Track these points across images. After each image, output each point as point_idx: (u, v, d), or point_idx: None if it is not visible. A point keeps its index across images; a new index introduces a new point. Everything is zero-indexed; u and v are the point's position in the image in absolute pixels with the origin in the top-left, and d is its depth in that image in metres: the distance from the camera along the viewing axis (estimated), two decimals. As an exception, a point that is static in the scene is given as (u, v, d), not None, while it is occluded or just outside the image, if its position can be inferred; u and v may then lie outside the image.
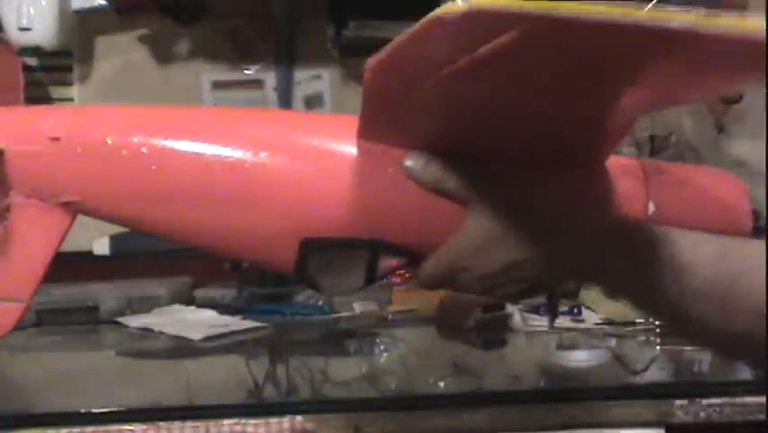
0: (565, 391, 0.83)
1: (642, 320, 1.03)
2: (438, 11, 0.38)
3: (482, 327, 1.08)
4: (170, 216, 0.61)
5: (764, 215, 0.68)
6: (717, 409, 0.78)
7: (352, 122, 0.58)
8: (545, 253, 0.55)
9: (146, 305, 1.25)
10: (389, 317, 1.22)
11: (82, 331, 1.21)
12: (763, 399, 0.76)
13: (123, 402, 0.79)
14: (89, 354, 1.14)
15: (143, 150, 0.59)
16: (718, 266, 0.50)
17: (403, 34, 0.43)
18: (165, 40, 1.51)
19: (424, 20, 0.39)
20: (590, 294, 1.25)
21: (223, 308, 1.25)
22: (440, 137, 0.57)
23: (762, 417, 0.76)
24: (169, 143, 0.60)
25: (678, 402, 0.78)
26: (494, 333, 1.08)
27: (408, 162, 0.58)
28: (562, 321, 1.09)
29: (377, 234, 0.59)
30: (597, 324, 1.07)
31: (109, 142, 0.59)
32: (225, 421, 0.75)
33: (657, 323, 1.01)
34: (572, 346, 1.03)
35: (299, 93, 1.50)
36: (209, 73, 1.51)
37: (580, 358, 1.00)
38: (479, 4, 0.36)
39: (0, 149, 0.59)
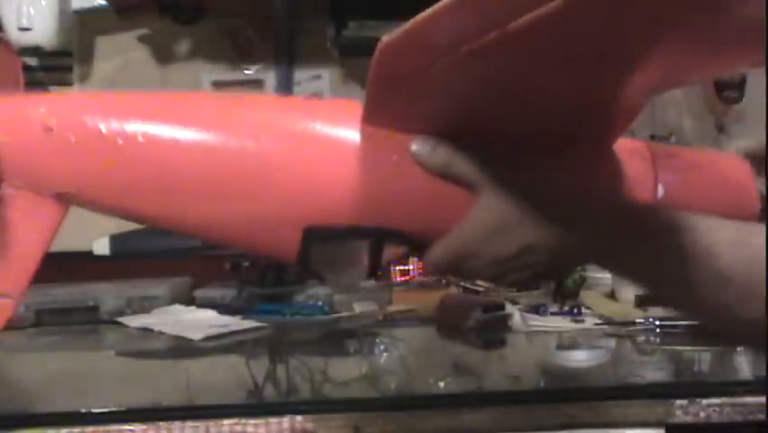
0: (565, 391, 0.83)
1: (642, 320, 1.02)
2: None
3: (482, 326, 1.08)
4: (169, 207, 0.59)
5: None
6: (717, 409, 0.78)
7: (355, 107, 0.57)
8: (557, 238, 0.54)
9: (146, 305, 1.25)
10: (390, 317, 1.22)
11: (82, 331, 1.21)
12: (763, 399, 0.76)
13: (123, 402, 0.79)
14: (89, 354, 1.14)
15: (140, 138, 0.57)
16: (737, 252, 0.50)
17: (426, 12, 0.42)
18: (165, 39, 1.51)
19: None
20: (590, 294, 1.25)
21: (223, 308, 1.25)
22: (449, 121, 0.55)
23: (762, 417, 0.76)
24: (166, 131, 0.57)
25: (678, 402, 0.78)
26: (494, 333, 1.08)
27: (415, 147, 0.56)
28: (562, 321, 1.09)
29: (382, 221, 0.57)
30: (597, 324, 1.07)
31: (104, 131, 0.57)
32: (225, 421, 0.75)
33: (657, 323, 1.01)
34: (572, 346, 1.03)
35: (299, 93, 1.50)
36: (209, 73, 1.51)
37: (580, 358, 1.00)
38: None
39: None
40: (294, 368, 0.99)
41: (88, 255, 1.44)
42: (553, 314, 1.11)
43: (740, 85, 1.54)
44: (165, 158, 0.57)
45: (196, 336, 1.07)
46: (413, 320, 1.21)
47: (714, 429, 0.78)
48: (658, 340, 1.00)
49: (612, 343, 1.02)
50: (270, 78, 1.50)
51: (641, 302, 1.14)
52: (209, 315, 1.21)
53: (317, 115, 0.59)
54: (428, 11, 0.42)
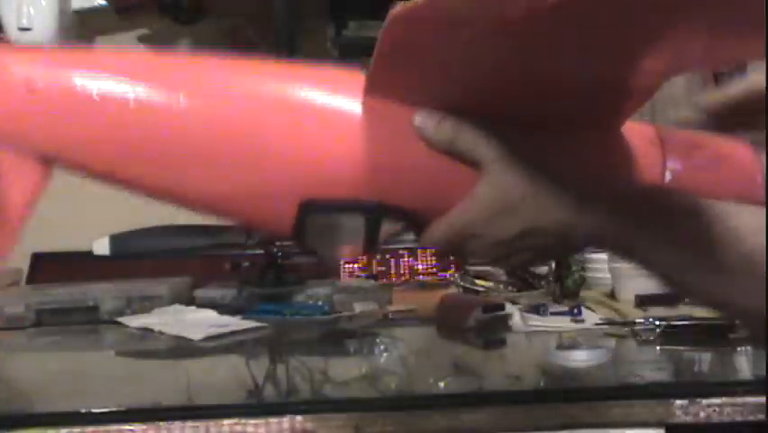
0: (565, 391, 0.83)
1: (642, 320, 1.02)
2: None
3: (482, 326, 1.08)
4: (158, 176, 0.56)
5: None
6: (717, 409, 0.78)
7: (357, 78, 0.55)
8: (564, 220, 0.52)
9: (146, 305, 1.25)
10: (390, 317, 1.22)
11: (82, 331, 1.21)
12: (763, 399, 0.76)
13: (123, 402, 0.79)
14: (89, 354, 1.14)
15: (131, 104, 0.54)
16: (758, 238, 0.48)
17: None
18: (165, 39, 1.51)
19: None
20: (590, 294, 1.25)
21: (223, 308, 1.25)
22: (456, 96, 0.54)
23: (762, 417, 0.76)
24: (159, 96, 0.54)
25: (678, 402, 0.78)
26: (494, 333, 1.08)
27: (420, 120, 0.54)
28: (562, 321, 1.09)
29: (381, 196, 0.55)
30: (597, 324, 1.07)
31: (92, 93, 0.54)
32: (225, 421, 0.75)
33: (657, 323, 1.01)
34: (572, 346, 1.03)
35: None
36: (209, 73, 1.51)
37: (580, 358, 1.00)
38: None
39: None
40: (294, 368, 0.99)
41: (88, 255, 1.44)
42: (553, 314, 1.11)
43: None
44: (156, 124, 0.54)
45: (196, 336, 1.07)
46: (413, 320, 1.21)
47: (714, 429, 0.78)
48: (658, 340, 1.00)
49: (612, 343, 1.02)
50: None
51: (641, 302, 1.14)
52: (209, 315, 1.22)
53: (318, 83, 0.57)
54: None
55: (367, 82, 0.55)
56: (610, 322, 1.06)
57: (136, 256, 1.46)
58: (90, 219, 1.58)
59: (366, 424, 0.76)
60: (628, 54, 0.50)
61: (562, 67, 0.50)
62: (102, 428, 0.75)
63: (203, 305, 1.28)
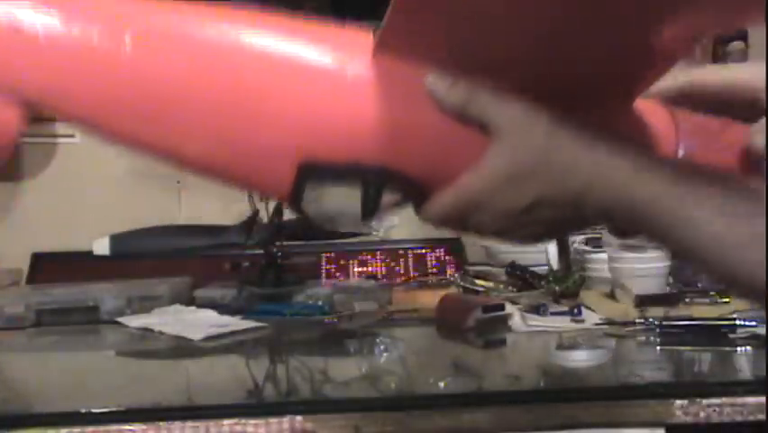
0: (565, 391, 0.83)
1: (642, 320, 1.02)
2: None
3: (482, 326, 1.08)
4: (150, 128, 0.53)
5: None
6: (717, 409, 0.78)
7: (365, 37, 0.53)
8: (579, 190, 0.50)
9: (146, 305, 1.25)
10: (390, 317, 1.22)
11: (82, 331, 1.21)
12: (763, 399, 0.76)
13: (123, 402, 0.79)
14: (89, 354, 1.14)
15: (126, 48, 0.50)
16: None
17: None
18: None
19: None
20: (590, 294, 1.25)
21: (223, 308, 1.25)
22: (472, 58, 0.51)
23: (762, 417, 0.76)
24: (155, 43, 0.51)
25: (678, 402, 0.78)
26: (494, 333, 1.08)
27: (432, 81, 0.52)
28: (562, 321, 1.09)
29: (385, 161, 0.52)
30: (597, 324, 1.07)
31: (82, 36, 0.50)
32: (225, 421, 0.75)
33: (657, 323, 1.01)
34: (572, 346, 1.03)
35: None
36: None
37: (580, 358, 1.00)
38: None
39: None
40: (294, 368, 0.99)
41: (88, 255, 1.44)
42: (553, 314, 1.11)
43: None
44: (152, 69, 0.51)
45: (196, 336, 1.07)
46: (413, 320, 1.21)
47: (714, 429, 0.78)
48: (658, 340, 1.00)
49: (612, 343, 1.02)
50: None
51: (641, 302, 1.14)
52: (209, 315, 1.22)
53: (325, 40, 0.55)
54: None
55: (378, 40, 0.52)
56: (610, 322, 1.06)
57: (136, 256, 1.46)
58: (90, 219, 1.58)
59: (366, 424, 0.76)
60: (650, 17, 0.48)
61: (582, 28, 0.48)
62: (102, 428, 0.75)
63: (203, 305, 1.28)
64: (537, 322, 1.09)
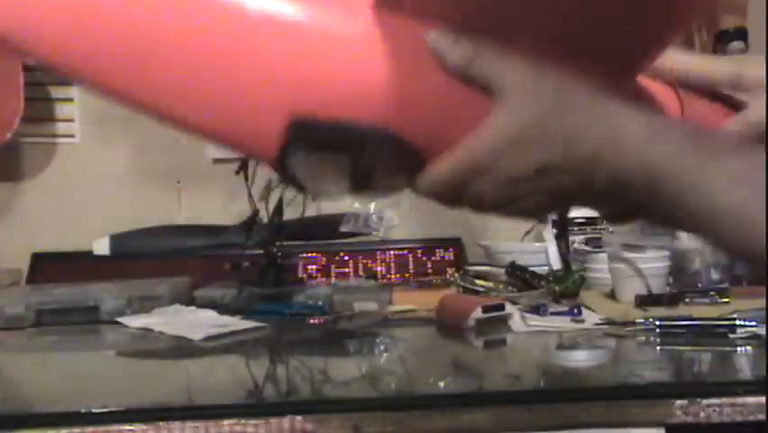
0: (565, 391, 0.83)
1: (642, 320, 1.02)
2: None
3: (482, 326, 1.08)
4: (130, 77, 0.50)
5: None
6: (717, 409, 0.78)
7: None
8: (589, 156, 0.47)
9: (146, 305, 1.25)
10: (390, 317, 1.22)
11: (82, 331, 1.21)
12: (762, 399, 0.76)
13: (123, 402, 0.79)
14: (89, 355, 1.14)
15: None
16: None
17: None
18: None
19: None
20: (590, 294, 1.25)
21: (223, 308, 1.25)
22: (477, 14, 0.49)
23: (762, 417, 0.76)
24: None
25: (678, 402, 0.78)
26: (494, 333, 1.08)
27: (435, 37, 0.49)
28: (562, 321, 1.09)
29: (382, 123, 0.49)
30: (597, 324, 1.07)
31: None
32: (225, 421, 0.75)
33: (657, 323, 1.01)
34: (572, 346, 1.03)
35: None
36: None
37: (580, 358, 1.00)
38: None
39: None
40: (294, 368, 0.99)
41: (88, 255, 1.44)
42: (553, 314, 1.11)
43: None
44: (131, 14, 0.48)
45: (196, 336, 1.07)
46: (413, 320, 1.21)
47: (714, 429, 0.78)
48: (658, 340, 1.00)
49: (612, 343, 1.02)
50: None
51: (641, 302, 1.14)
52: (209, 315, 1.22)
53: None
54: None
55: None
56: (610, 322, 1.06)
57: (136, 256, 1.46)
58: (90, 219, 1.59)
59: (366, 424, 0.76)
60: None
61: None
62: (102, 428, 0.75)
63: (203, 305, 1.28)
64: (537, 322, 1.09)
